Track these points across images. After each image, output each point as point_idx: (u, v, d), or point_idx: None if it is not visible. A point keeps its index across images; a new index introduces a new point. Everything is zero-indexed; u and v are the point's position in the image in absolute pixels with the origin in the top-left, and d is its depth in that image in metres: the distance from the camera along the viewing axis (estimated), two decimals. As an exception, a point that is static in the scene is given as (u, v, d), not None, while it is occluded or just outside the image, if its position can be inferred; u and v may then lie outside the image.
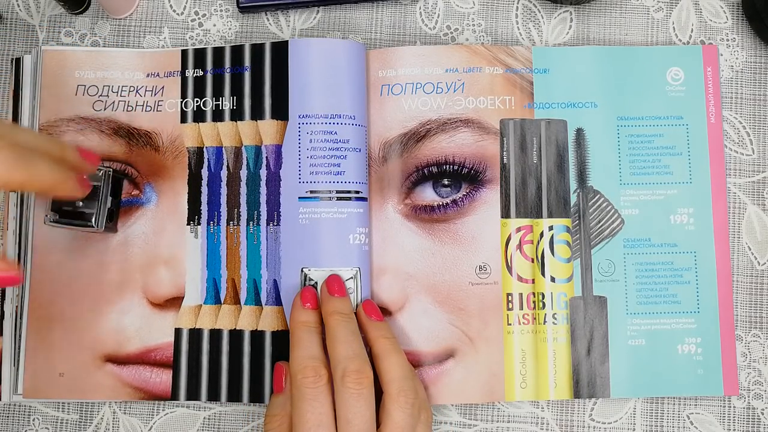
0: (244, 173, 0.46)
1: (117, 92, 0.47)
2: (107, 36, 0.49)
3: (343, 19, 0.50)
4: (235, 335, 0.45)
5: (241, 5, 0.49)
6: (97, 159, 0.41)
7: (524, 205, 0.47)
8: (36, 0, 0.49)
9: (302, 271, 0.44)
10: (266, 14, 0.50)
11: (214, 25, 0.49)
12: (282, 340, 0.45)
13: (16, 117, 0.47)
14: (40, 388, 0.45)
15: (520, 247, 0.46)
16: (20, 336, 0.45)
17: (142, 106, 0.47)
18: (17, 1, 0.50)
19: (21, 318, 0.45)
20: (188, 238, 0.46)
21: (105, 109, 0.47)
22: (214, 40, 0.49)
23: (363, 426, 0.38)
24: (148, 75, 0.47)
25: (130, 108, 0.47)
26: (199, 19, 0.49)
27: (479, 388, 0.45)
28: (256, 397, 0.45)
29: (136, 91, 0.47)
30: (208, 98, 0.47)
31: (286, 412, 0.40)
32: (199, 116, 0.47)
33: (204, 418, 0.46)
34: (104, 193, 0.44)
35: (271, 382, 0.44)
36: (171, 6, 0.50)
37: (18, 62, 0.48)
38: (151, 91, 0.47)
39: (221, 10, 0.49)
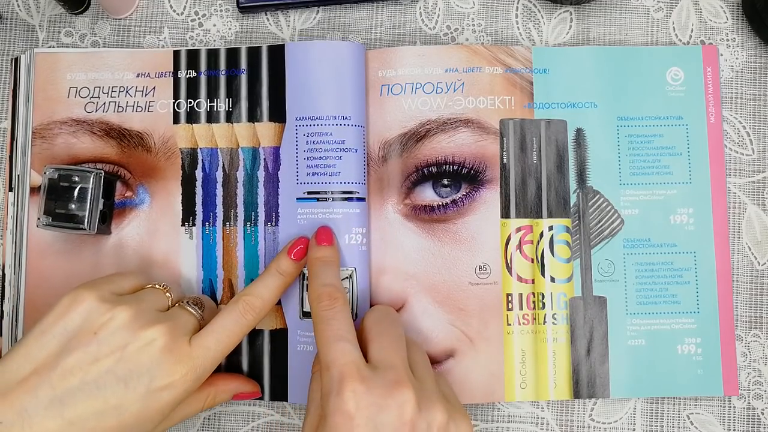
0: (240, 174, 0.46)
1: (107, 93, 0.47)
2: (107, 36, 0.49)
3: (343, 19, 0.49)
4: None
5: (241, 5, 0.48)
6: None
7: (524, 205, 0.47)
8: (36, 0, 0.49)
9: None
10: (266, 14, 0.50)
11: (214, 25, 0.49)
12: (280, 339, 0.45)
13: (14, 117, 0.47)
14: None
15: (519, 247, 0.46)
16: (17, 338, 0.45)
17: (133, 106, 0.47)
18: (17, 1, 0.50)
19: (17, 320, 0.45)
20: (183, 239, 0.46)
21: (96, 110, 0.47)
22: (214, 41, 0.49)
23: (350, 335, 0.38)
24: (138, 75, 0.47)
25: (120, 109, 0.47)
26: (199, 19, 0.49)
27: (479, 388, 0.45)
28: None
29: (126, 92, 0.47)
30: (202, 99, 0.47)
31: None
32: (192, 117, 0.47)
33: (204, 418, 0.46)
34: (96, 196, 0.43)
35: (271, 382, 0.45)
36: (171, 6, 0.50)
37: (17, 62, 0.48)
38: (142, 91, 0.47)
39: (221, 10, 0.49)
